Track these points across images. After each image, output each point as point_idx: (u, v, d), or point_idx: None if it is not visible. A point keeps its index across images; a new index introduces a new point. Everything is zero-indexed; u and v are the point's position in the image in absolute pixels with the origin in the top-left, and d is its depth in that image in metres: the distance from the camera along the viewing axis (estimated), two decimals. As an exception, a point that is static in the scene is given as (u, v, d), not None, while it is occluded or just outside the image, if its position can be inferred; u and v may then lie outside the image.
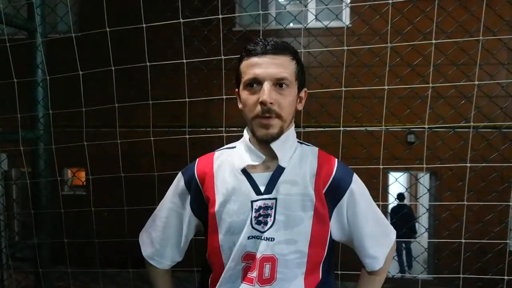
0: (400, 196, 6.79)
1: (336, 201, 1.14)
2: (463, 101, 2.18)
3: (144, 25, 1.92)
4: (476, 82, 1.74)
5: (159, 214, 1.28)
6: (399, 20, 2.03)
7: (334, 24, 2.45)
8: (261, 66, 1.05)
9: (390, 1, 1.70)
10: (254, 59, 1.06)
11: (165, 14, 2.22)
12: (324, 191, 1.12)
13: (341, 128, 1.83)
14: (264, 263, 1.09)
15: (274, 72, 1.04)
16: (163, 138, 2.04)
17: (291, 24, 5.29)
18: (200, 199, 1.19)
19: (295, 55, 1.11)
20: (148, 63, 1.96)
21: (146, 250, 1.30)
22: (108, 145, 2.31)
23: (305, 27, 2.00)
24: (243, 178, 1.13)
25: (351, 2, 5.25)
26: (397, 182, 2.45)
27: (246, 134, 1.18)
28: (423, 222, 8.01)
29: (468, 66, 2.50)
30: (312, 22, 2.37)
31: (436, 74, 1.98)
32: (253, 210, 1.10)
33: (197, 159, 1.25)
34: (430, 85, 1.77)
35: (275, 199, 1.10)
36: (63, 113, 2.34)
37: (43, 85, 2.57)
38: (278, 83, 1.05)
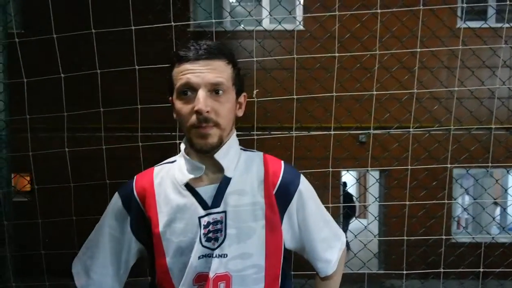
0: (344, 184, 8.32)
1: (286, 204, 1.08)
2: (436, 106, 2.35)
3: (133, 27, 1.86)
4: (456, 88, 1.89)
5: (94, 240, 1.13)
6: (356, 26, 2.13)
7: (288, 26, 2.51)
8: (194, 72, 0.96)
9: (374, 11, 1.79)
10: (186, 65, 0.98)
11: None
12: (274, 195, 1.07)
13: (332, 132, 1.90)
14: (218, 283, 1.01)
15: (208, 77, 0.96)
16: (149, 144, 1.99)
17: (241, 26, 5.33)
18: (141, 220, 1.07)
19: (231, 59, 1.03)
20: (137, 67, 1.90)
21: (81, 281, 1.13)
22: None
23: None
24: (187, 193, 1.03)
25: (307, 8, 5.38)
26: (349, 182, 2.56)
27: (183, 146, 1.09)
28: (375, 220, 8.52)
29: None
30: (267, 23, 2.40)
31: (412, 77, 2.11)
32: (202, 227, 1.01)
33: (135, 176, 1.14)
34: (415, 90, 1.89)
35: (224, 212, 1.02)
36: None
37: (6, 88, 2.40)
38: (214, 89, 0.97)
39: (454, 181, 4.75)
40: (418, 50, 1.83)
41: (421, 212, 2.55)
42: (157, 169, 1.13)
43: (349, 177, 6.06)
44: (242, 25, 2.40)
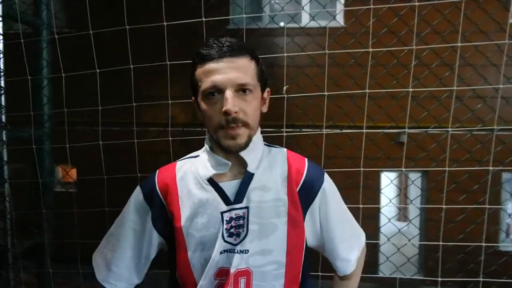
0: None
1: (309, 202, 1.08)
2: (479, 105, 2.22)
3: (165, 23, 1.89)
4: (501, 86, 1.77)
5: (115, 233, 1.15)
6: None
7: (330, 24, 2.44)
8: (219, 72, 0.95)
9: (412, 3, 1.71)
10: (211, 65, 0.96)
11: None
12: (297, 193, 1.06)
13: (364, 131, 1.84)
14: (239, 278, 1.01)
15: (234, 77, 0.94)
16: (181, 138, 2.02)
17: (282, 23, 5.29)
18: (163, 214, 1.08)
19: (253, 54, 1.01)
20: (168, 62, 1.93)
21: (101, 273, 1.15)
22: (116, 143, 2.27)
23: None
24: (210, 188, 1.04)
25: (345, 4, 5.27)
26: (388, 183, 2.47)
27: (207, 143, 1.09)
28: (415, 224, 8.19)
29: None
30: (307, 22, 2.34)
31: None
32: (224, 222, 1.01)
33: (157, 170, 1.14)
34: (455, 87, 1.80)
35: (247, 207, 1.02)
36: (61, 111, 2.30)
37: (49, 83, 2.52)
38: (241, 89, 0.96)
39: (501, 186, 4.51)
40: (459, 44, 1.74)
41: (461, 216, 2.42)
42: (179, 163, 1.13)
43: (383, 179, 5.87)
44: (280, 23, 2.36)
